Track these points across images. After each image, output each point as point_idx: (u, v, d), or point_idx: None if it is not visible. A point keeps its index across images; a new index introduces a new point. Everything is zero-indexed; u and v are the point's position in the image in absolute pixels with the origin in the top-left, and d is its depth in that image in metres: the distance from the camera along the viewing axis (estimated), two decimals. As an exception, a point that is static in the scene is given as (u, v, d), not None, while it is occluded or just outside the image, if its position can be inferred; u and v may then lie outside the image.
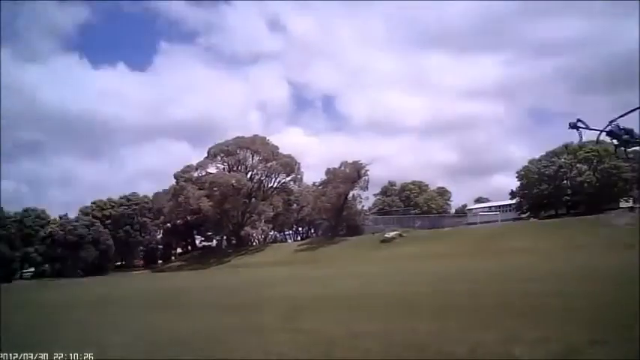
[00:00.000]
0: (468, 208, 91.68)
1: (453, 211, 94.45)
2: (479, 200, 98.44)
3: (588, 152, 61.92)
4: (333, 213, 68.47)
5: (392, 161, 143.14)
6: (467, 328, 9.28)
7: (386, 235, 58.29)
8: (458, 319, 10.28)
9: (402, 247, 52.23)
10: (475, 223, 66.84)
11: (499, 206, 78.09)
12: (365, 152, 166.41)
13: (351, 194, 69.11)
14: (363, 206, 74.01)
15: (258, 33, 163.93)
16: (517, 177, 68.85)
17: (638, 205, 56.18)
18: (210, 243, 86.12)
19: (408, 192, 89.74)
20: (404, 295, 16.26)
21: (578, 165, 63.11)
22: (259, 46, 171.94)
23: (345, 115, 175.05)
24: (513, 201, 71.21)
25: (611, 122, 7.86)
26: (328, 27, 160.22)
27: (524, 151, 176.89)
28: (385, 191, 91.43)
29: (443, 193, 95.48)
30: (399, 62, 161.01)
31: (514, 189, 70.37)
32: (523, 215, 67.49)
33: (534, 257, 34.00)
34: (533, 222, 58.90)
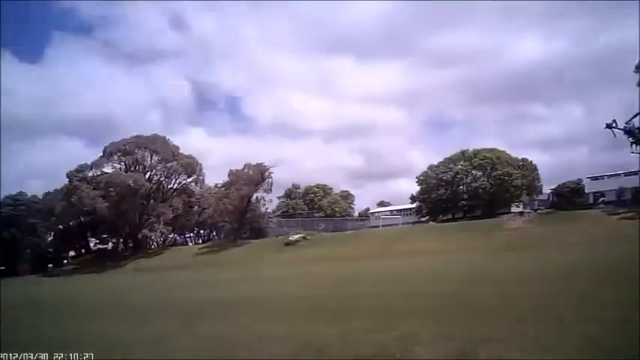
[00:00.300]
0: (371, 211, 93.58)
1: (356, 214, 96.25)
2: (381, 204, 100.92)
3: (483, 159, 65.03)
4: (236, 215, 67.39)
5: (296, 164, 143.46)
6: (370, 329, 9.28)
7: (290, 238, 57.95)
8: (362, 321, 10.26)
9: (306, 249, 52.14)
10: (377, 226, 68.30)
11: (400, 210, 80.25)
12: (269, 154, 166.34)
13: (254, 196, 68.27)
14: (266, 209, 73.44)
15: (159, 30, 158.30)
16: (417, 182, 70.95)
17: (527, 210, 59.65)
18: (105, 246, 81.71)
19: (312, 195, 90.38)
20: (308, 298, 16.12)
21: (473, 171, 66.02)
22: (160, 43, 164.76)
23: (249, 117, 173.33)
24: (414, 205, 73.27)
25: (629, 121, 8.38)
26: (232, 26, 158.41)
27: (424, 157, 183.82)
28: (289, 194, 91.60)
29: (346, 196, 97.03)
30: (304, 65, 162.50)
31: (414, 193, 72.50)
32: (423, 219, 69.53)
33: (434, 259, 34.92)
34: (432, 225, 61.03)
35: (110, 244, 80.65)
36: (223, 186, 70.94)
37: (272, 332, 9.80)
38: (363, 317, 10.72)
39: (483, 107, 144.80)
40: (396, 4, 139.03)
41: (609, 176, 64.36)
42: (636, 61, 50.01)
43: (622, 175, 63.39)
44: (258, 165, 67.39)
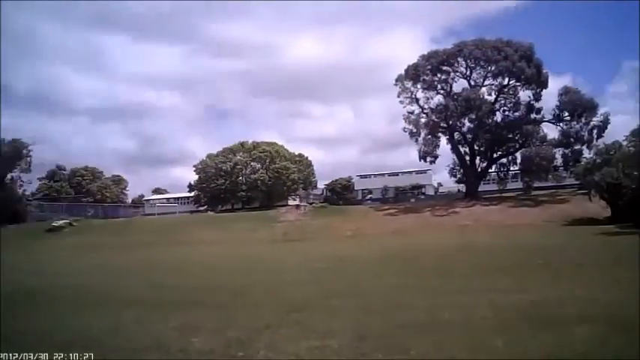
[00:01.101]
0: (146, 198, 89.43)
1: (129, 200, 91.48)
2: (157, 191, 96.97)
3: (262, 152, 66.10)
4: (-14, 197, 59.27)
5: (61, 144, 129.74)
6: (145, 320, 9.15)
7: (53, 224, 52.87)
8: (136, 312, 10.01)
9: (72, 237, 48.04)
10: (153, 214, 65.47)
11: (178, 198, 78.06)
12: (28, 131, 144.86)
13: (9, 176, 61.77)
14: (24, 190, 66.99)
15: None
16: (195, 170, 69.51)
17: (303, 204, 62.22)
18: None
19: (80, 178, 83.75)
20: (74, 288, 14.81)
21: (252, 163, 66.86)
22: None
23: (2, 86, 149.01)
24: (192, 194, 71.62)
25: None
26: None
27: (203, 146, 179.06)
28: (52, 176, 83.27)
29: (119, 181, 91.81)
30: (70, 36, 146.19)
31: (192, 182, 70.89)
32: (201, 208, 68.60)
33: (212, 249, 34.85)
34: (211, 215, 60.39)
35: None
36: (-31, 163, 61.65)
37: (30, 327, 8.86)
38: (137, 308, 10.38)
39: (263, 101, 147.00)
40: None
41: (375, 175, 70.56)
42: (397, 73, 55.63)
43: (386, 175, 69.96)
44: (15, 141, 60.91)
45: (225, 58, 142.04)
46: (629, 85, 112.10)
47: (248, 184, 65.43)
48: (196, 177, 69.28)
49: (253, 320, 8.44)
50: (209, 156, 69.70)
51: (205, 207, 67.61)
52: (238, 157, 67.13)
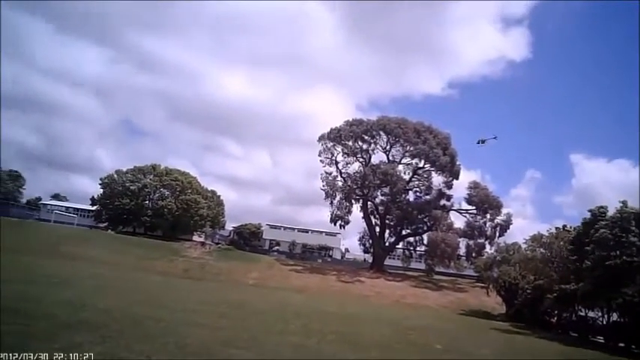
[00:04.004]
0: (43, 202, 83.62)
1: (24, 200, 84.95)
2: (56, 197, 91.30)
3: (174, 180, 64.14)
4: None
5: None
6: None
7: None
8: None
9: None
10: (49, 221, 61.23)
11: (77, 209, 73.69)
12: None
13: None
14: None
15: None
16: (101, 184, 66.22)
17: (209, 242, 60.79)
18: None
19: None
20: None
21: (162, 189, 64.76)
22: None
23: None
24: (93, 208, 68.04)
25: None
26: None
27: (112, 159, 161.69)
28: None
29: (16, 177, 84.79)
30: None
31: (96, 196, 67.56)
32: (101, 225, 65.35)
33: (108, 270, 33.27)
34: (110, 234, 57.76)
35: None
36: None
37: None
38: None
39: (180, 127, 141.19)
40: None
41: (285, 228, 70.42)
42: (321, 132, 56.77)
43: (296, 229, 70.01)
44: None
45: (148, 73, 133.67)
46: (529, 192, 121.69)
47: (154, 210, 63.25)
48: (101, 191, 66.17)
49: (144, 353, 8.09)
50: (118, 172, 66.93)
51: (106, 224, 64.52)
52: (148, 180, 64.95)
